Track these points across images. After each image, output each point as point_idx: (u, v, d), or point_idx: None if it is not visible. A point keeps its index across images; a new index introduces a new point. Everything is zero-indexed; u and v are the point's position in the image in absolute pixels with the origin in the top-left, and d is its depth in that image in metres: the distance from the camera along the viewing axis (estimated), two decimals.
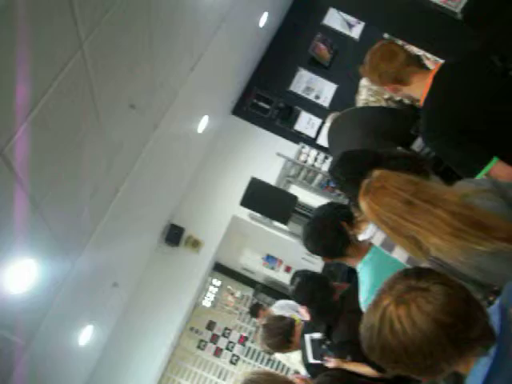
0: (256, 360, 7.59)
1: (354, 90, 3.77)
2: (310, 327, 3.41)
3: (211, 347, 7.68)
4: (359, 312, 2.39)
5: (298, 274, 3.26)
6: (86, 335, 5.11)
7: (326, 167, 6.49)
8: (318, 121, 7.13)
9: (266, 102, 7.22)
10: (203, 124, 5.98)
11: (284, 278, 7.39)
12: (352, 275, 2.98)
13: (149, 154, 4.35)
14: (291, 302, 5.08)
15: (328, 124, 4.03)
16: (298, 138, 7.07)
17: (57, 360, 4.53)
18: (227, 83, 6.61)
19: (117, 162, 3.74)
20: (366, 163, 2.07)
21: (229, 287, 7.95)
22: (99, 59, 2.63)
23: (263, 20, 6.44)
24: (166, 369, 7.28)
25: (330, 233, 2.61)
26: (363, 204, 1.71)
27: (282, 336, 3.48)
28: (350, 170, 2.24)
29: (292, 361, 4.16)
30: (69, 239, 3.45)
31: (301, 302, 3.38)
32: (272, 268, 7.62)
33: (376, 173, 1.73)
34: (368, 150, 2.33)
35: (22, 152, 2.30)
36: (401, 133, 3.00)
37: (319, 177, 6.55)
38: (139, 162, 4.25)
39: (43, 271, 3.17)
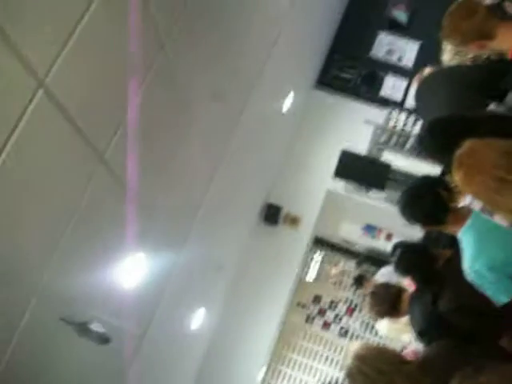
0: (365, 331, 7.59)
1: (437, 47, 3.61)
2: (417, 297, 3.37)
3: (319, 321, 7.75)
4: (464, 279, 2.34)
5: (397, 245, 3.22)
6: (197, 319, 5.37)
7: (416, 129, 6.30)
8: (403, 83, 6.91)
9: (348, 70, 7.08)
10: (288, 101, 5.98)
11: (386, 246, 7.28)
12: (456, 240, 2.91)
13: (238, 138, 4.43)
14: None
15: (415, 85, 3.90)
16: (385, 103, 6.89)
17: (172, 345, 4.80)
18: (309, 54, 6.55)
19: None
20: (455, 133, 2.00)
21: (331, 260, 7.97)
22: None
23: None
24: (277, 345, 7.47)
25: (428, 200, 2.54)
26: (457, 178, 1.67)
27: (389, 303, 3.47)
28: (439, 144, 2.17)
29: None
30: (173, 231, 3.62)
31: (403, 274, 3.34)
32: (373, 237, 7.54)
33: (466, 145, 1.67)
34: (456, 117, 2.24)
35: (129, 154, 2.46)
36: (492, 87, 2.85)
37: (411, 140, 6.37)
38: (230, 148, 4.34)
39: (153, 264, 3.37)
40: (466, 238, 2.48)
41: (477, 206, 2.27)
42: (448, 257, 3.07)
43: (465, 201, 2.54)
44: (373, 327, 6.92)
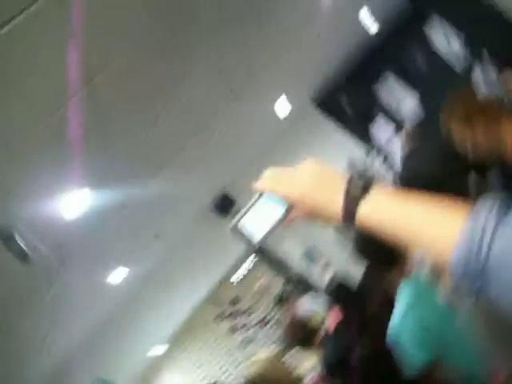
0: (268, 347, 7.60)
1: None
2: (331, 337, 3.38)
3: (228, 323, 7.72)
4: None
5: (335, 279, 3.29)
6: (117, 275, 5.27)
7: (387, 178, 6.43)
8: (390, 128, 7.01)
9: (349, 98, 7.12)
10: (285, 108, 5.98)
11: (321, 274, 7.30)
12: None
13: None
14: (321, 299, 5.05)
15: (401, 138, 4.02)
16: (368, 140, 6.97)
17: (85, 288, 4.69)
18: (315, 68, 6.56)
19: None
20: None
21: (262, 270, 7.96)
22: None
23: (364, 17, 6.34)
24: (180, 332, 7.40)
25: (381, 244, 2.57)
26: None
27: (302, 340, 3.49)
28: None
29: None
30: (124, 175, 3.51)
31: (333, 305, 3.37)
32: (311, 261, 7.55)
33: None
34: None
35: None
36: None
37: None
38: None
39: (95, 203, 3.28)
40: (403, 292, 2.51)
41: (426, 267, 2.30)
42: (379, 303, 3.10)
43: (415, 257, 2.57)
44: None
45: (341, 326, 3.34)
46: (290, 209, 0.96)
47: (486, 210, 0.74)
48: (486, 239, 0.71)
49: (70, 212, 3.28)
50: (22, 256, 2.57)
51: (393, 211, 0.84)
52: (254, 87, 4.49)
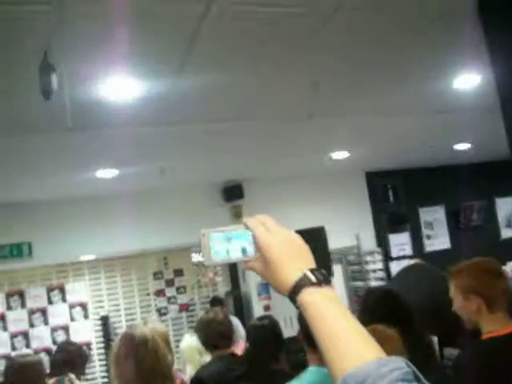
0: (174, 330, 7.57)
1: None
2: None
3: (158, 286, 7.71)
4: None
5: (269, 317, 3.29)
6: (109, 173, 5.40)
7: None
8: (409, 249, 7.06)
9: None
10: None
11: (259, 310, 7.27)
12: None
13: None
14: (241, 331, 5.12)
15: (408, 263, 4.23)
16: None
17: None
18: None
19: None
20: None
21: (218, 268, 7.91)
22: None
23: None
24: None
25: None
26: None
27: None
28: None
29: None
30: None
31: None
32: (259, 294, 7.51)
33: None
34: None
35: None
36: None
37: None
38: None
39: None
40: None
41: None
42: None
43: None
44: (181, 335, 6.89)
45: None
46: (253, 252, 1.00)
47: (395, 365, 0.76)
48: None
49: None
50: (46, 92, 2.56)
51: (326, 314, 0.88)
52: None
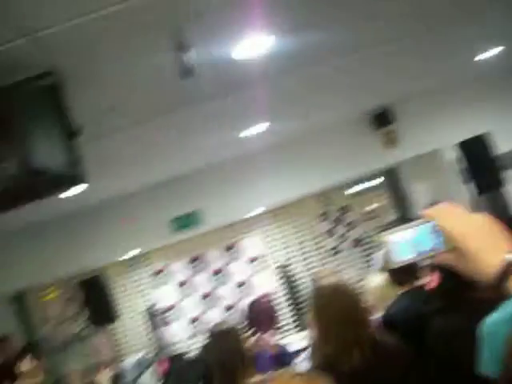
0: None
1: None
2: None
3: (329, 225, 7.79)
4: None
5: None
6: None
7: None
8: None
9: None
10: None
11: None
12: None
13: None
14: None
15: None
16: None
17: None
18: None
19: None
20: None
21: (381, 195, 7.76)
22: None
23: None
24: None
25: None
26: None
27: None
28: None
29: None
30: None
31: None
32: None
33: None
34: None
35: None
36: None
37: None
38: None
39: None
40: None
41: None
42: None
43: None
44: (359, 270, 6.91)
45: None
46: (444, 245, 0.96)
47: None
48: None
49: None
50: (186, 71, 2.60)
51: None
52: None
